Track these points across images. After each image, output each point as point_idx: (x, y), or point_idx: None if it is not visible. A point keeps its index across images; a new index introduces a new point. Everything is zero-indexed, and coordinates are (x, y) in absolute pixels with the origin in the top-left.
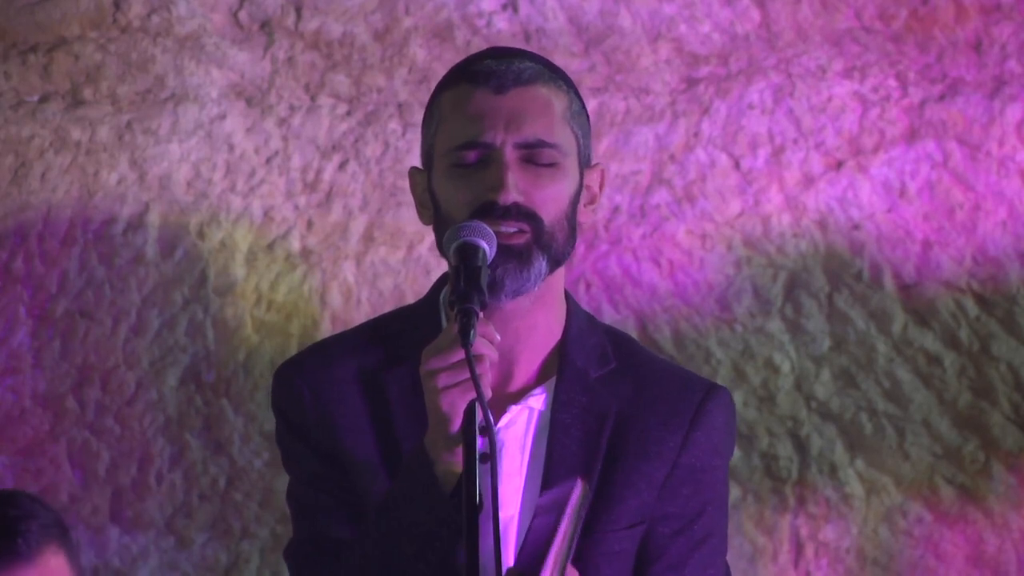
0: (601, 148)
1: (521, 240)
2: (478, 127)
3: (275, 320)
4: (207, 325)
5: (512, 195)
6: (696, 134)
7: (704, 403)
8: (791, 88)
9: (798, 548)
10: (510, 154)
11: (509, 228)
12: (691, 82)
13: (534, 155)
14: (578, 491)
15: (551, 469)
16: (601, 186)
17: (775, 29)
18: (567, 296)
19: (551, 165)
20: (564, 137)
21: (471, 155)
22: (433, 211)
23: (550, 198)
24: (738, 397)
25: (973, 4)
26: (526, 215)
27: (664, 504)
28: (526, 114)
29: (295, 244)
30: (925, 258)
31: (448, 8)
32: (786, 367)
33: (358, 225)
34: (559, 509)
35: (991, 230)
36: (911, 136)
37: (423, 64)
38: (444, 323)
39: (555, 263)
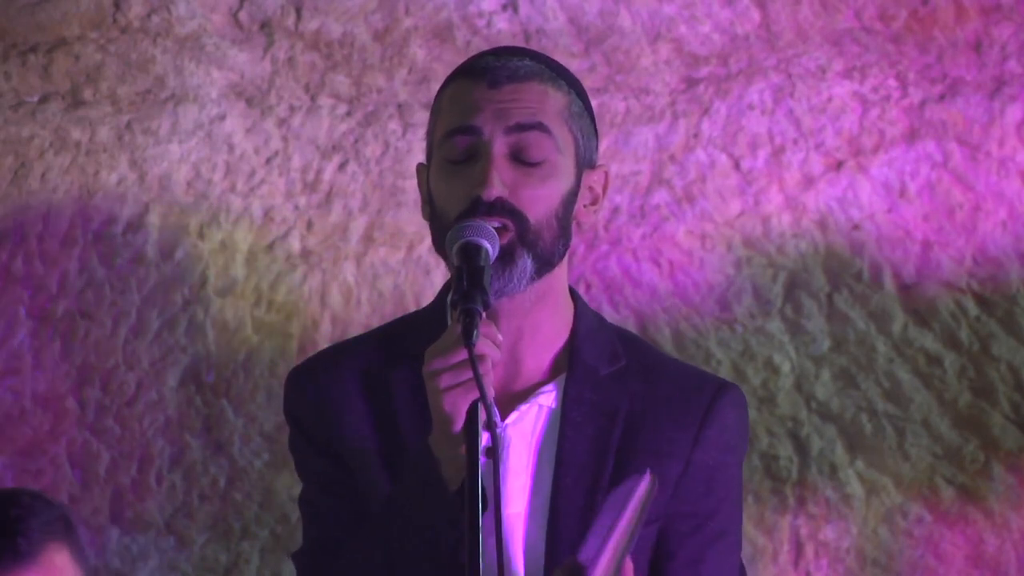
0: (601, 148)
1: (504, 239)
2: (468, 115)
3: (275, 320)
4: (207, 325)
5: (496, 190)
6: (696, 134)
7: (715, 401)
8: (791, 88)
9: (798, 548)
10: (498, 148)
11: (493, 223)
12: (691, 82)
13: (523, 147)
14: (645, 484)
15: (561, 466)
16: (604, 188)
17: (775, 29)
18: (575, 295)
19: (540, 164)
20: (559, 133)
21: (461, 142)
22: (429, 207)
23: (537, 196)
24: None
25: (973, 4)
26: (510, 211)
27: (678, 503)
28: (517, 105)
29: (295, 244)
30: (925, 258)
31: (448, 8)
32: (786, 367)
33: (358, 225)
34: (623, 502)
35: (991, 230)
36: (911, 136)
37: (423, 64)
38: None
39: (544, 263)
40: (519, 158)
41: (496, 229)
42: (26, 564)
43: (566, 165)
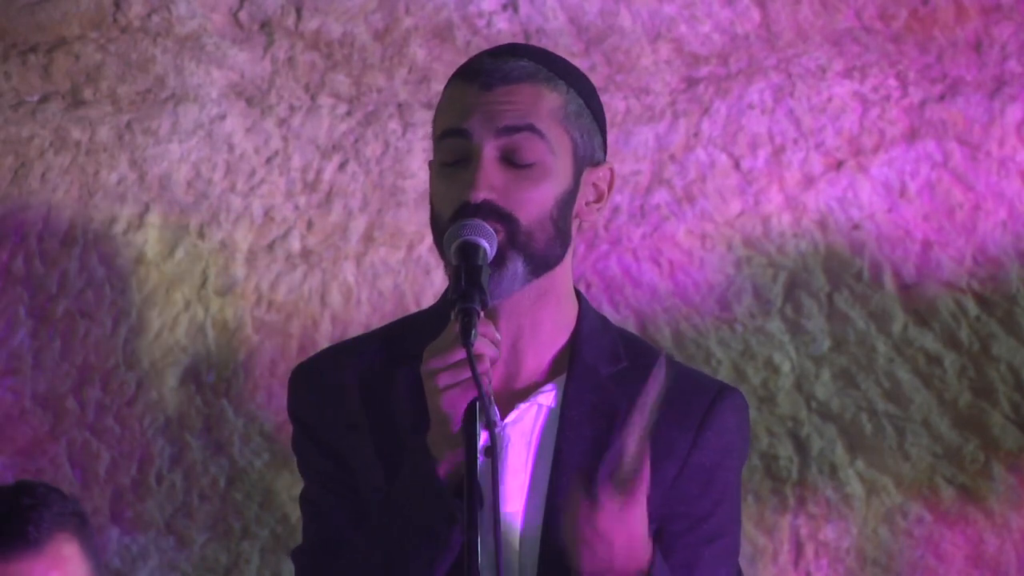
0: None
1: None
2: (460, 118)
3: (275, 320)
4: (207, 325)
5: (482, 193)
6: (696, 134)
7: (715, 404)
8: (791, 88)
9: (798, 548)
10: (488, 151)
11: None
12: (691, 82)
13: (514, 149)
14: (660, 369)
15: (559, 466)
16: (610, 185)
17: (775, 29)
18: (579, 296)
19: (532, 166)
20: (552, 135)
21: (452, 144)
22: (430, 207)
23: (529, 199)
24: None
25: (973, 4)
26: (498, 214)
27: (674, 503)
28: (508, 107)
29: (295, 244)
30: (925, 258)
31: (448, 8)
32: (786, 367)
33: (358, 225)
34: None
35: (991, 230)
36: (911, 136)
37: (423, 64)
38: None
39: (538, 264)
40: (511, 160)
41: None
42: (33, 552)
43: (560, 166)
